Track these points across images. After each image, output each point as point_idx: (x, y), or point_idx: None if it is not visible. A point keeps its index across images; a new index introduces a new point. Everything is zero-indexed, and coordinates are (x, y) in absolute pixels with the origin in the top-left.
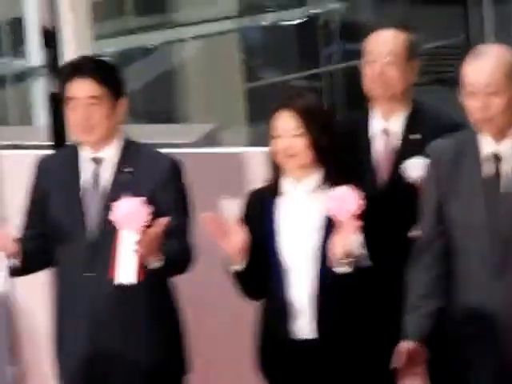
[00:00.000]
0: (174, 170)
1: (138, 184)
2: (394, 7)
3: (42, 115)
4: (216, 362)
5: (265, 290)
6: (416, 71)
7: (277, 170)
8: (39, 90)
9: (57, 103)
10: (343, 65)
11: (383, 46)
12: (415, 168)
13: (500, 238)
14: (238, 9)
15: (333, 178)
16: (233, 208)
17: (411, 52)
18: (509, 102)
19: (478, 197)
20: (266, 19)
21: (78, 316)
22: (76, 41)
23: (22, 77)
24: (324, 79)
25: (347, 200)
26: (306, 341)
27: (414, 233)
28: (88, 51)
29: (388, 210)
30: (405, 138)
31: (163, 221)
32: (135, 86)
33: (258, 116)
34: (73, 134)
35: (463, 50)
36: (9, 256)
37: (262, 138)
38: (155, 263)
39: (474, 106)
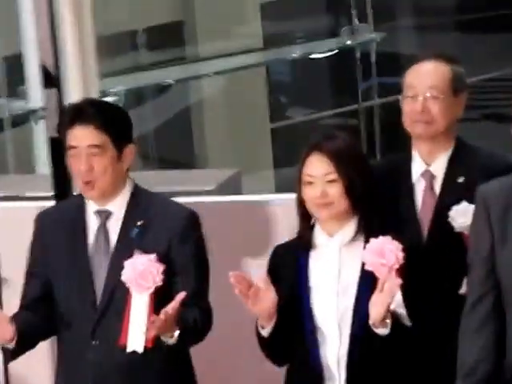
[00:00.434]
0: (190, 222)
1: (150, 239)
2: (436, 36)
3: (43, 162)
4: None
5: (292, 353)
6: (462, 106)
7: (307, 220)
8: (41, 134)
9: (59, 149)
10: (381, 100)
11: (425, 79)
12: (462, 215)
13: None
14: (263, 40)
15: (370, 228)
16: (260, 265)
17: (456, 85)
18: None
19: None
20: (295, 51)
21: None
22: (80, 79)
23: (22, 119)
24: (360, 116)
25: (386, 253)
26: None
27: (464, 289)
28: (94, 91)
29: (432, 262)
30: (449, 182)
31: (179, 298)
32: (148, 128)
33: (286, 159)
34: (76, 185)
35: None
36: (5, 342)
37: (290, 183)
38: (171, 339)
39: None
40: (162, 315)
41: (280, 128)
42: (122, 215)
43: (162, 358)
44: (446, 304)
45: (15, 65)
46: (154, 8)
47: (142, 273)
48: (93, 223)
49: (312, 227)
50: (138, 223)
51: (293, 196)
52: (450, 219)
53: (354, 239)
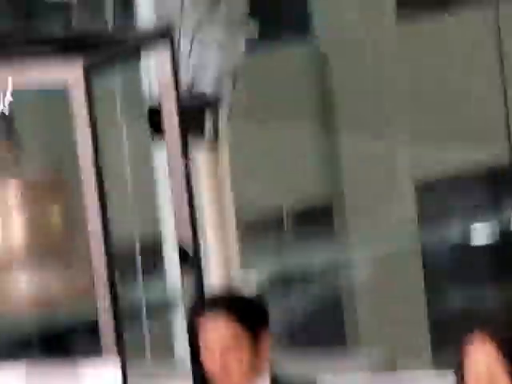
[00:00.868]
0: None
1: None
2: None
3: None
4: None
5: None
6: None
7: None
8: (179, 319)
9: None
10: None
11: None
12: None
13: None
14: (418, 221)
15: None
16: None
17: None
18: None
19: None
20: (453, 236)
21: None
22: (220, 263)
23: (161, 303)
24: None
25: None
26: None
27: None
28: (234, 279)
29: None
30: None
31: None
32: (292, 319)
33: (444, 345)
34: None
35: None
36: None
37: (448, 368)
38: None
39: None
40: None
41: (439, 311)
42: None
43: None
44: None
45: (150, 245)
46: (302, 190)
47: None
48: None
49: None
50: None
51: None
52: None
53: None
